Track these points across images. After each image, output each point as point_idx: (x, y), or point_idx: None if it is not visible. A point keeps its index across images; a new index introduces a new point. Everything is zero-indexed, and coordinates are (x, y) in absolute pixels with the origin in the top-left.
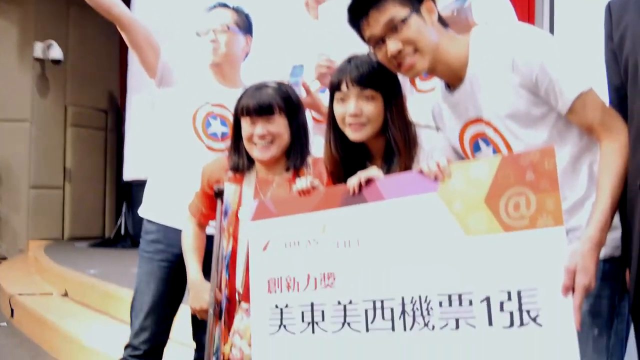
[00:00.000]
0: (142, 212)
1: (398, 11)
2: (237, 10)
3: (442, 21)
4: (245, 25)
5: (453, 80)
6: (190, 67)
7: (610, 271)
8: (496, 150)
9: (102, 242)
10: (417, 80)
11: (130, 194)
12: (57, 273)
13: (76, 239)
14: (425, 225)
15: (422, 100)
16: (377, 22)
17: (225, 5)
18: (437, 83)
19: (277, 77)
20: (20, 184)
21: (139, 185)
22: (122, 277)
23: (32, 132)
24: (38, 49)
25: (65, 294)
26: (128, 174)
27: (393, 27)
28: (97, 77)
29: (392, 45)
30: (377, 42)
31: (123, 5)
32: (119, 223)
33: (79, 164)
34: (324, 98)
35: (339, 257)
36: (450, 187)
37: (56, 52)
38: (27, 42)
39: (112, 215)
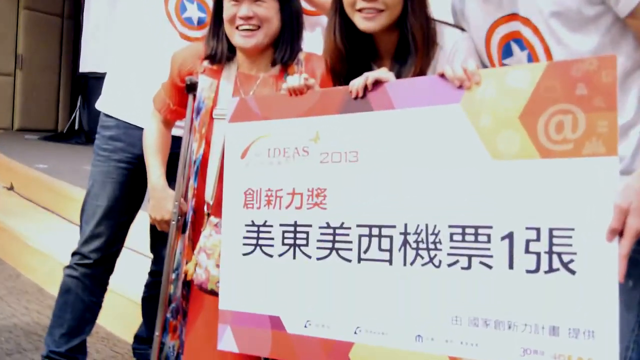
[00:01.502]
0: (100, 105)
1: None
2: None
3: None
4: None
5: None
6: None
7: None
8: (532, 56)
9: (54, 136)
10: None
11: (86, 86)
12: (3, 164)
13: (26, 130)
14: (442, 142)
15: None
16: None
17: None
18: None
19: None
20: None
21: (97, 78)
22: (74, 174)
23: None
24: None
25: (11, 188)
26: (85, 66)
27: None
28: None
29: None
30: None
31: None
32: (73, 117)
33: (33, 51)
34: None
35: (332, 172)
36: (477, 98)
37: None
38: None
39: (66, 108)
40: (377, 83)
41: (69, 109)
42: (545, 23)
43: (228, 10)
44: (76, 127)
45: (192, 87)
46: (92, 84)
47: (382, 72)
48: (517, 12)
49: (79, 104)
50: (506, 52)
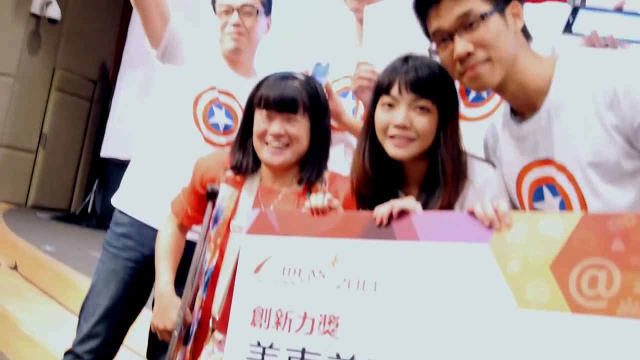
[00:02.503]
0: (115, 201)
1: (478, 5)
2: None
3: (526, 33)
4: (268, 4)
5: (524, 107)
6: (201, 44)
7: None
8: (565, 203)
9: (66, 217)
10: (463, 107)
11: (105, 171)
12: (10, 242)
13: (40, 208)
14: (466, 283)
15: (470, 130)
16: (449, 12)
17: None
18: (490, 109)
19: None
20: None
21: (116, 164)
22: (80, 260)
23: (14, 88)
24: (36, 5)
25: (15, 267)
26: (106, 151)
27: (467, 23)
28: (92, 44)
29: (461, 45)
30: (444, 37)
31: None
32: (87, 199)
33: (57, 131)
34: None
35: (347, 299)
36: (507, 241)
37: (54, 11)
38: None
39: (81, 189)
40: (403, 212)
41: (85, 190)
42: (582, 172)
43: (259, 124)
44: (89, 210)
45: (212, 195)
46: (111, 169)
47: (410, 202)
48: (552, 158)
49: (95, 187)
50: (537, 196)
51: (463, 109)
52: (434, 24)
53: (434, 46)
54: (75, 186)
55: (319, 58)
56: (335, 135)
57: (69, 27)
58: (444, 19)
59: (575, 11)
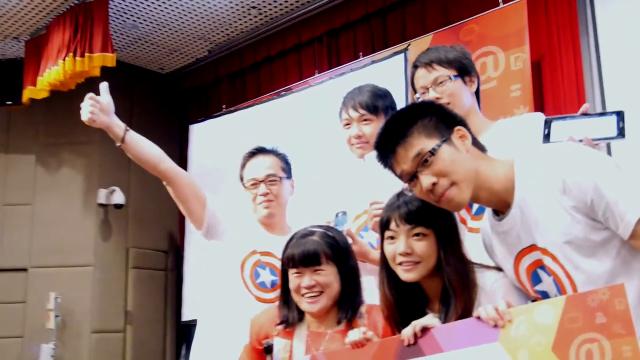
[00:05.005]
0: None
1: (425, 143)
2: (277, 154)
3: (478, 145)
4: (288, 169)
5: (500, 207)
6: (238, 217)
7: None
8: (557, 281)
9: None
10: (468, 219)
11: (189, 334)
12: None
13: None
14: None
15: (476, 240)
16: (405, 158)
17: (265, 151)
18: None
19: (321, 220)
20: (82, 329)
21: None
22: None
23: (95, 276)
24: (102, 195)
25: None
26: (186, 315)
27: (423, 161)
28: (157, 218)
29: (425, 180)
30: (410, 177)
31: (169, 161)
32: None
33: (140, 306)
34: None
35: None
36: (512, 335)
37: (119, 197)
38: (92, 189)
39: (172, 357)
40: (425, 329)
41: (175, 357)
42: (561, 251)
43: (293, 281)
44: None
45: (269, 350)
46: (194, 331)
47: (428, 319)
48: (536, 243)
49: (183, 352)
50: (535, 279)
51: (470, 221)
52: (397, 170)
53: (406, 185)
54: (165, 355)
55: (338, 204)
56: (366, 267)
57: (134, 209)
58: (403, 164)
59: (548, 123)
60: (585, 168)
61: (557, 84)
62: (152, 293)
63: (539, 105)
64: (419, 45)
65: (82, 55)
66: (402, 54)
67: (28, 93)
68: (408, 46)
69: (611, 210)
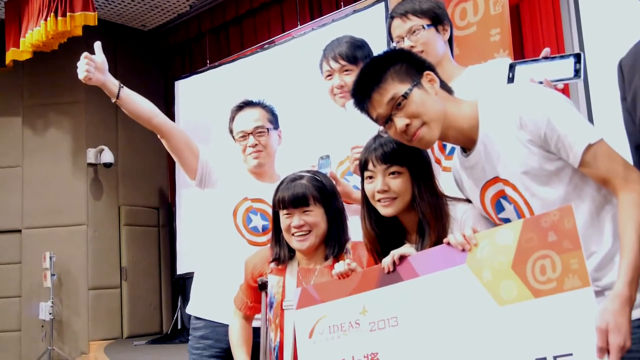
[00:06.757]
0: (190, 309)
1: (398, 88)
2: (264, 106)
3: (446, 87)
4: (275, 120)
5: (467, 144)
6: (229, 166)
7: None
8: (517, 208)
9: (160, 338)
10: (442, 159)
11: (184, 287)
12: None
13: (135, 336)
14: (459, 299)
15: (450, 177)
16: (380, 103)
17: (252, 103)
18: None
19: (307, 165)
20: (78, 286)
21: (192, 278)
22: None
23: (89, 234)
24: (91, 155)
25: None
26: (181, 268)
27: (396, 105)
28: (147, 176)
29: (399, 121)
30: (386, 120)
31: (162, 115)
32: (175, 317)
33: (134, 262)
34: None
35: (380, 337)
36: (477, 257)
37: (107, 156)
38: (80, 149)
39: (168, 310)
40: (403, 258)
41: (172, 310)
42: (520, 181)
43: (283, 222)
44: (179, 326)
45: (263, 287)
46: (189, 283)
47: (405, 248)
48: (498, 175)
49: (179, 304)
50: (499, 208)
51: (444, 161)
52: (374, 114)
53: (382, 128)
54: (162, 308)
55: (323, 150)
56: (351, 208)
57: (124, 167)
58: (379, 108)
59: (512, 67)
60: (539, 105)
61: (536, 27)
62: (146, 249)
63: (519, 48)
64: None
65: (64, 15)
66: (383, 3)
67: (11, 55)
68: None
69: (562, 142)
